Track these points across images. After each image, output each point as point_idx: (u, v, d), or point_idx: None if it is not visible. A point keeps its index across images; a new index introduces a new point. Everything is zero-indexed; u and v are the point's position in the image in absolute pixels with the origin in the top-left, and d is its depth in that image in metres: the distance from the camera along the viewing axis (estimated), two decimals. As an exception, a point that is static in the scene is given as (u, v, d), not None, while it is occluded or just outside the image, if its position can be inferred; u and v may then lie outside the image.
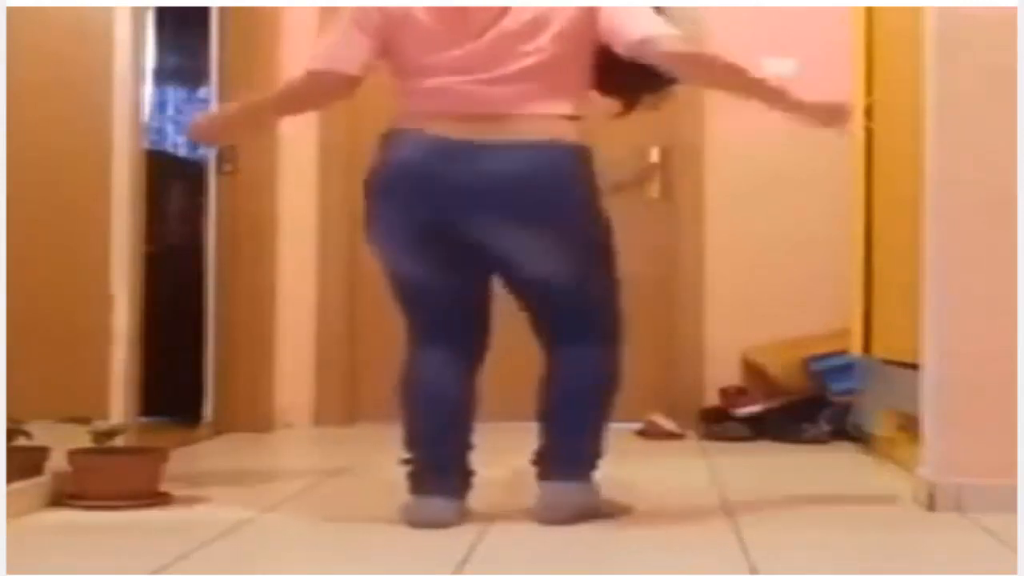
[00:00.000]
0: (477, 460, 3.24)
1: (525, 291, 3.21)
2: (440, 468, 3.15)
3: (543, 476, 3.18)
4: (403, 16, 3.11)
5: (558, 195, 3.08)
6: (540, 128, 3.07)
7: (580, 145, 3.11)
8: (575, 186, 3.12)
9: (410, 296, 3.22)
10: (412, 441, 3.18)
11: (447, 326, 3.21)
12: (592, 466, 3.21)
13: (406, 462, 3.18)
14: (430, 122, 3.08)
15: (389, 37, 3.14)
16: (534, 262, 3.12)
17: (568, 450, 3.20)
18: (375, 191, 3.14)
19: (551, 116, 3.08)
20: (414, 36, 3.11)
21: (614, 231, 3.24)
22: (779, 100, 3.23)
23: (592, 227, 3.18)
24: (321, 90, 3.23)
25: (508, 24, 3.08)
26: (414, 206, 3.08)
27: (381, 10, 3.13)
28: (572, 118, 3.11)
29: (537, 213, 3.06)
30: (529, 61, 3.07)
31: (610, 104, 3.29)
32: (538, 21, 3.07)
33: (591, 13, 3.08)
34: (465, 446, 3.20)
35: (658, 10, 3.08)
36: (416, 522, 3.07)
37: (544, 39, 3.07)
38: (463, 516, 3.12)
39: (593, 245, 3.20)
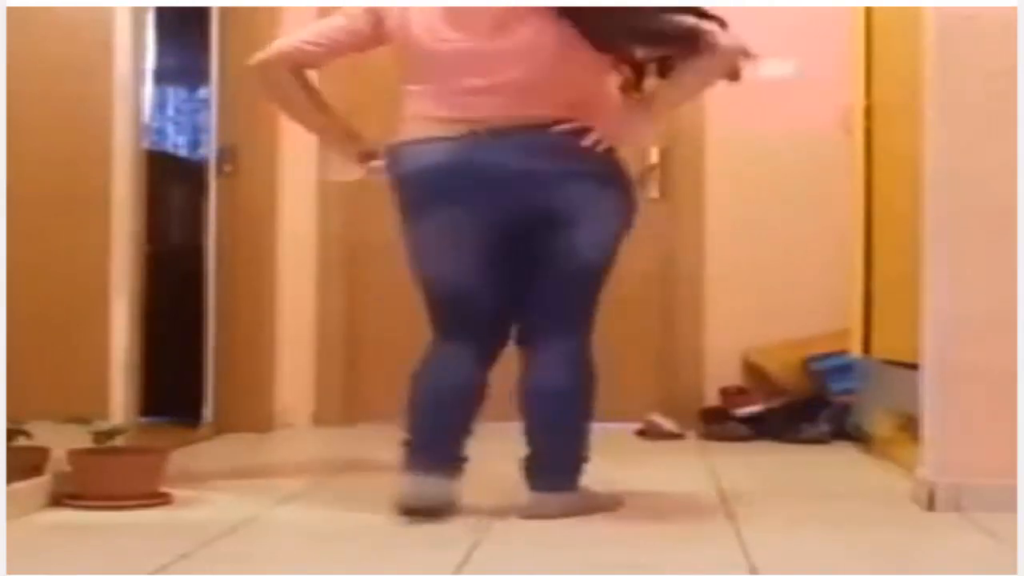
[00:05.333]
0: (481, 460, 3.24)
1: (555, 264, 3.23)
2: (432, 448, 3.22)
3: (532, 486, 3.24)
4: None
5: (590, 167, 3.18)
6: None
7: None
8: (602, 159, 3.20)
9: (446, 296, 3.27)
10: (411, 422, 3.25)
11: (472, 325, 3.27)
12: (578, 472, 3.27)
13: (405, 443, 3.24)
14: (454, 124, 3.15)
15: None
16: (563, 237, 3.19)
17: (555, 460, 3.27)
18: (419, 198, 3.20)
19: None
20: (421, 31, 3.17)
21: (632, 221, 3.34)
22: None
23: (615, 206, 3.27)
24: None
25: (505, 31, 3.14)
26: (463, 207, 3.15)
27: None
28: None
29: (571, 185, 3.16)
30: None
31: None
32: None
33: None
34: (461, 431, 3.26)
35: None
36: (405, 500, 3.13)
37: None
38: (451, 497, 3.18)
39: (610, 228, 3.27)
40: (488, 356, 3.30)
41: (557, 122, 3.15)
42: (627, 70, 3.27)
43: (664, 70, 3.25)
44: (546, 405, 3.25)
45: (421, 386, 3.28)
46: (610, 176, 3.24)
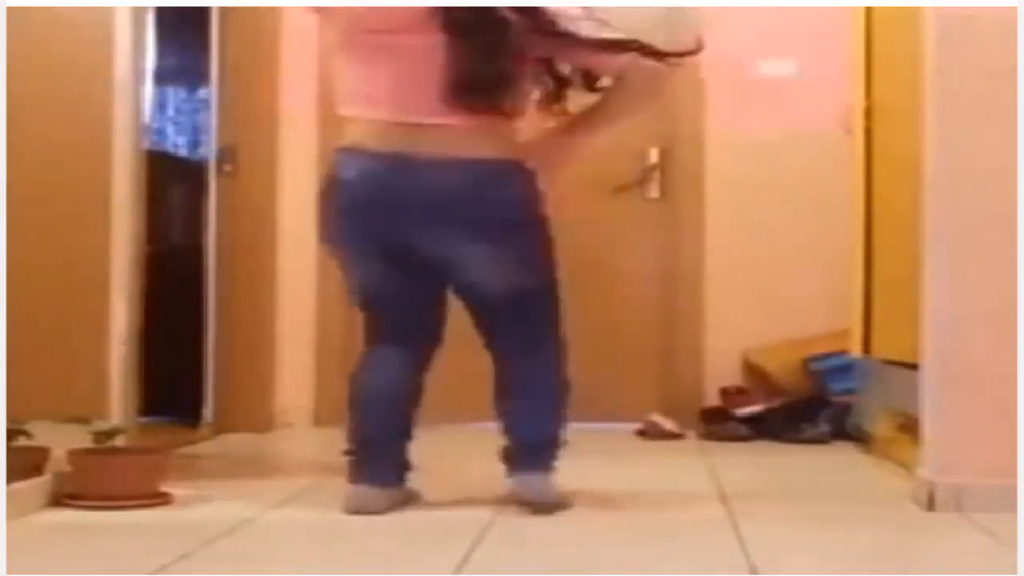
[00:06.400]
0: (479, 460, 3.24)
1: (469, 299, 3.31)
2: (373, 458, 3.29)
3: (517, 468, 3.28)
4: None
5: (497, 208, 3.18)
6: (477, 144, 3.16)
7: (516, 160, 3.21)
8: (513, 199, 3.22)
9: (367, 300, 3.34)
10: (353, 433, 3.33)
11: (400, 328, 3.33)
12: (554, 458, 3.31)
13: (347, 453, 3.32)
14: (372, 137, 3.18)
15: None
16: (476, 272, 3.22)
17: (532, 453, 3.29)
18: (331, 206, 3.26)
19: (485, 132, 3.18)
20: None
21: (553, 240, 3.31)
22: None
23: (530, 237, 3.27)
24: None
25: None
26: (368, 224, 3.20)
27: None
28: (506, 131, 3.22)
29: (478, 225, 3.17)
30: None
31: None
32: None
33: None
34: (402, 438, 3.33)
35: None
36: (348, 510, 3.21)
37: None
38: (396, 504, 3.25)
39: (531, 255, 3.28)
40: (421, 360, 3.35)
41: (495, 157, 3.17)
42: (550, 82, 3.30)
43: (590, 82, 3.27)
44: (526, 390, 3.29)
45: (358, 390, 3.34)
46: (528, 204, 3.25)
